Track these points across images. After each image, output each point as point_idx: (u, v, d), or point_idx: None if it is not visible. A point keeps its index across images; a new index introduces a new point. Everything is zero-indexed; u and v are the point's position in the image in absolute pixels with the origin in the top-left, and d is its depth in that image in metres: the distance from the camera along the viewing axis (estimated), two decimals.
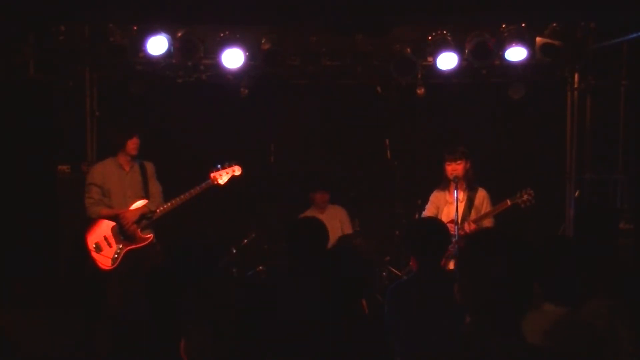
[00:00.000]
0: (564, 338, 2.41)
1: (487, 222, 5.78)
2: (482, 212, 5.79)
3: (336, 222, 7.12)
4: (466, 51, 6.60)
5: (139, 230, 5.73)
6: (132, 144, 5.79)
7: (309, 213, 7.05)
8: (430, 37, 6.70)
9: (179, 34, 6.57)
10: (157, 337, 3.07)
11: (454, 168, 5.79)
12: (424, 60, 6.87)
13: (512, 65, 6.75)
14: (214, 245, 3.32)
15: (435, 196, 5.99)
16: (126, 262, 5.66)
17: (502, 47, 6.55)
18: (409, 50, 6.72)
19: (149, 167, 5.96)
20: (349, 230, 7.12)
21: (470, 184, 5.88)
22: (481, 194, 5.87)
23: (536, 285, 2.57)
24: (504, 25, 6.52)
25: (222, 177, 6.00)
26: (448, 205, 5.89)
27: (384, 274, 6.75)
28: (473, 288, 2.13)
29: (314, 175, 7.54)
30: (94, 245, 5.68)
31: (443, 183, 5.95)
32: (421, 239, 3.91)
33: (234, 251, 7.07)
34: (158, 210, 5.83)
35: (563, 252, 2.95)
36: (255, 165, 6.81)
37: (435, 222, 4.25)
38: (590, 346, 2.50)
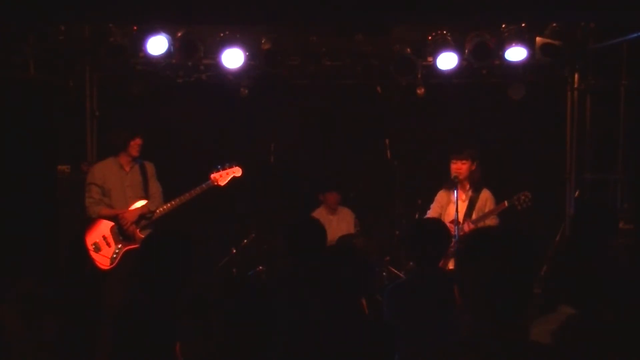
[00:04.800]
0: (570, 338, 2.40)
1: (491, 221, 5.78)
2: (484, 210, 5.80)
3: (345, 224, 7.14)
4: (466, 51, 6.60)
5: (137, 231, 5.73)
6: (134, 145, 5.79)
7: (319, 213, 7.05)
8: (430, 37, 6.70)
9: (179, 34, 6.57)
10: (156, 338, 3.07)
11: (458, 167, 5.80)
12: (424, 60, 6.87)
13: (512, 65, 6.75)
14: (189, 235, 3.28)
15: (441, 195, 6.00)
16: (125, 262, 5.65)
17: (502, 47, 6.55)
18: (409, 50, 6.72)
19: (149, 167, 5.95)
20: (352, 231, 7.13)
21: (474, 184, 5.88)
22: (484, 195, 5.88)
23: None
24: (504, 25, 6.52)
25: (223, 178, 6.00)
26: (451, 205, 5.89)
27: (384, 274, 6.75)
28: (472, 287, 2.13)
29: (324, 175, 7.55)
30: (93, 245, 5.68)
31: (448, 182, 5.96)
32: (420, 241, 3.91)
33: (234, 251, 7.07)
34: (158, 211, 5.83)
35: (579, 254, 2.96)
36: (255, 165, 6.81)
37: (434, 223, 4.25)
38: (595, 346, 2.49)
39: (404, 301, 3.77)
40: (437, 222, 4.47)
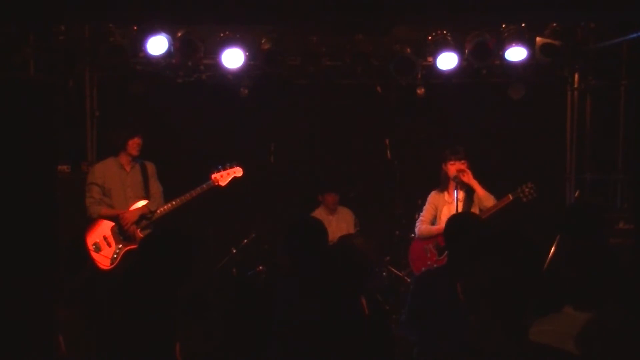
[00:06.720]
0: (594, 343, 2.38)
1: (490, 202, 5.74)
2: (484, 205, 5.78)
3: (345, 224, 7.15)
4: (466, 51, 6.61)
5: (138, 231, 5.73)
6: (133, 144, 5.78)
7: (318, 214, 7.06)
8: (430, 37, 6.71)
9: (179, 34, 6.57)
10: (156, 338, 3.07)
11: (458, 167, 5.80)
12: (424, 60, 6.88)
13: (512, 65, 6.76)
14: (191, 236, 3.29)
15: (434, 197, 5.99)
16: (125, 263, 5.66)
17: (502, 47, 6.56)
18: (409, 50, 6.73)
19: (150, 167, 5.95)
20: (352, 231, 7.13)
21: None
22: (481, 192, 5.86)
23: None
24: (504, 25, 6.53)
25: (224, 178, 6.00)
26: (447, 205, 5.89)
27: (384, 274, 6.75)
28: (474, 287, 2.14)
29: (322, 176, 7.55)
30: (93, 245, 5.68)
31: (442, 184, 5.96)
32: (452, 233, 3.91)
33: (234, 251, 7.07)
34: (158, 211, 5.83)
35: (582, 256, 2.95)
36: (255, 165, 6.81)
37: (468, 218, 4.25)
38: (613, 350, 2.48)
39: (431, 290, 3.76)
40: (471, 216, 4.48)
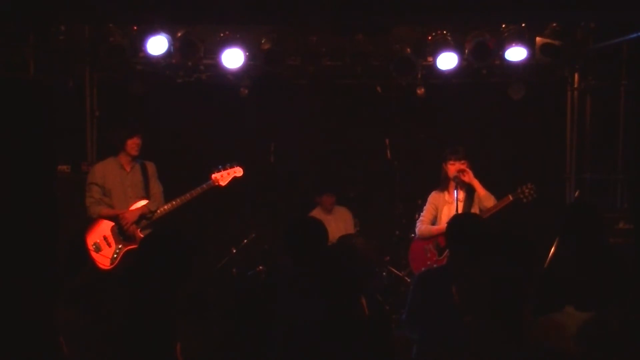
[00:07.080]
0: (594, 343, 2.39)
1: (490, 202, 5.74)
2: (484, 205, 5.77)
3: (343, 223, 7.15)
4: (466, 51, 6.61)
5: (138, 231, 5.73)
6: (133, 144, 5.78)
7: (316, 214, 7.05)
8: (430, 37, 6.72)
9: (179, 34, 6.58)
10: (156, 338, 3.07)
11: (457, 167, 5.79)
12: (424, 60, 6.89)
13: (512, 65, 6.77)
14: (189, 237, 3.30)
15: (434, 197, 5.99)
16: (125, 263, 5.66)
17: (502, 47, 6.56)
18: (409, 50, 6.73)
19: (150, 167, 5.95)
20: (351, 231, 7.13)
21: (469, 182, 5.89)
22: (481, 191, 5.86)
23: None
24: (504, 25, 6.54)
25: (224, 178, 5.99)
26: (448, 205, 5.89)
27: (384, 274, 6.75)
28: (472, 288, 2.14)
29: (318, 177, 7.55)
30: (93, 245, 5.68)
31: (442, 184, 5.96)
32: (454, 233, 3.91)
33: (234, 251, 7.07)
34: (158, 211, 5.82)
35: (582, 256, 2.95)
36: (255, 165, 6.81)
37: (470, 219, 4.26)
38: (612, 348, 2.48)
39: (432, 289, 3.76)
40: (474, 217, 4.48)
